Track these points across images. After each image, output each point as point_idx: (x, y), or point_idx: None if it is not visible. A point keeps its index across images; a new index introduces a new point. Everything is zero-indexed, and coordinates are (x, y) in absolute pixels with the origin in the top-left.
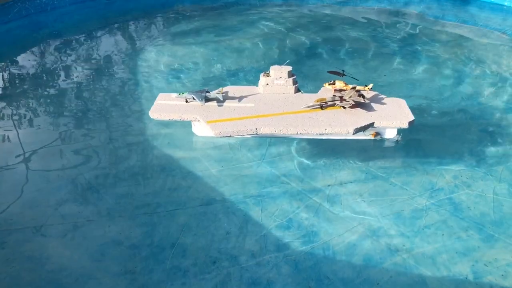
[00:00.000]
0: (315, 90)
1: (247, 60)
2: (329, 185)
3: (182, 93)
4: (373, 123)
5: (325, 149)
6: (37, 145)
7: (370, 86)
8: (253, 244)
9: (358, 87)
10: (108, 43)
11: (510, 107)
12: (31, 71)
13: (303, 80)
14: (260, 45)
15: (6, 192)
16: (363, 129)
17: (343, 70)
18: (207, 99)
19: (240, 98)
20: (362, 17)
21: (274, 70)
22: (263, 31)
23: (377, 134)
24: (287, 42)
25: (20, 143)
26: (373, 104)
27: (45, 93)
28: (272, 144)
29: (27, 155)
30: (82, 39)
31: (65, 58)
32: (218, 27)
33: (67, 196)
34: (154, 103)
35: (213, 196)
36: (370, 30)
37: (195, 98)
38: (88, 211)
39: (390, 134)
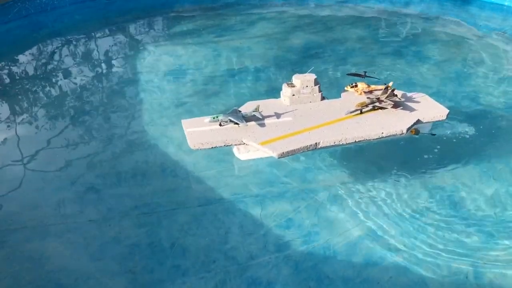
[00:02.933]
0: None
1: (247, 60)
2: (329, 185)
3: (217, 116)
4: (418, 119)
5: (325, 149)
6: (37, 145)
7: (391, 84)
8: (253, 244)
9: (389, 87)
10: (108, 43)
11: (510, 106)
12: (31, 71)
13: None
14: (260, 45)
15: (6, 192)
16: (412, 127)
17: (365, 72)
18: (246, 119)
19: (276, 114)
20: (363, 17)
21: (299, 79)
22: (263, 31)
23: (416, 130)
24: (287, 42)
25: (20, 143)
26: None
27: (45, 93)
28: None
29: (27, 155)
30: (82, 39)
31: (65, 58)
32: (218, 27)
33: (67, 196)
34: (186, 133)
35: (213, 196)
36: (370, 29)
37: (232, 120)
38: (88, 211)
39: (426, 128)
